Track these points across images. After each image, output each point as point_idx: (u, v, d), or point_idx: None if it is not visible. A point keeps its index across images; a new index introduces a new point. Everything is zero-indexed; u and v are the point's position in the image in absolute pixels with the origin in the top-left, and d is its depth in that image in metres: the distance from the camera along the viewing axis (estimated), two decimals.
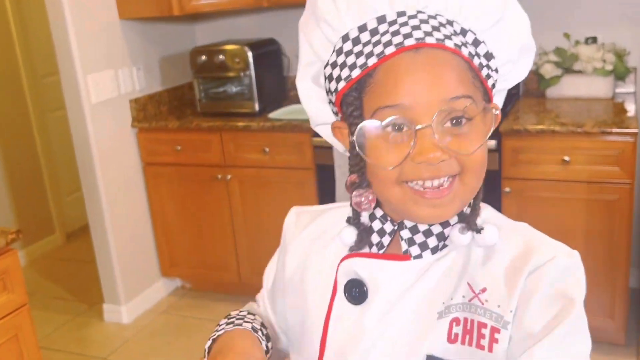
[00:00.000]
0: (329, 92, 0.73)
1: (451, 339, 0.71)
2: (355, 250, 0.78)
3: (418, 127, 0.65)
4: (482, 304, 0.71)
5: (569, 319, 0.67)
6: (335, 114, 0.76)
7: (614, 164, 2.20)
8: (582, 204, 2.26)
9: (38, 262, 3.79)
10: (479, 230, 0.73)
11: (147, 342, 2.81)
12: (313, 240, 0.84)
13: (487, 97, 0.72)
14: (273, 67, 2.97)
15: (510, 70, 0.74)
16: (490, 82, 0.72)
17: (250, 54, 2.75)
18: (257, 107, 2.81)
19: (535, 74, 2.62)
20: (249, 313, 0.88)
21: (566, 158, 2.23)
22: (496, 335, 0.69)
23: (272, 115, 2.74)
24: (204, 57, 2.83)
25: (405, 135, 0.67)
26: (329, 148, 2.51)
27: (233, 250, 2.93)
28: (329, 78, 0.72)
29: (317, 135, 1.85)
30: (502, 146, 2.30)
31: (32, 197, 3.80)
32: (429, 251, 0.75)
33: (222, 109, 2.89)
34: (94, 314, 3.09)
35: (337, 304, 0.78)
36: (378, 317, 0.75)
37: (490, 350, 0.69)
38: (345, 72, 0.69)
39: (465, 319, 0.71)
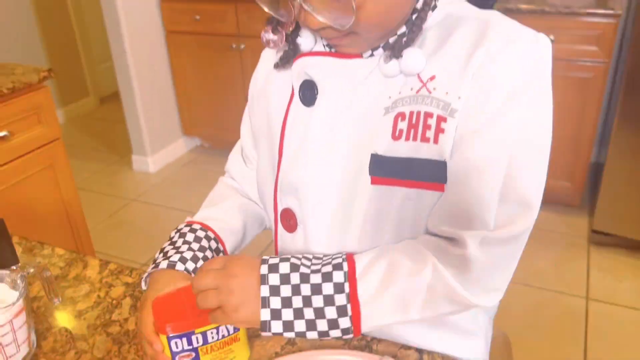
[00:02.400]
0: None
1: (395, 135, 0.65)
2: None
3: None
4: (430, 92, 0.63)
5: (523, 105, 0.60)
6: None
7: (593, 44, 2.23)
8: (559, 80, 2.30)
9: (75, 120, 3.99)
10: (400, 56, 0.64)
11: (169, 188, 2.90)
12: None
13: None
14: None
15: None
16: None
17: None
18: None
19: None
20: (200, 228, 0.81)
21: (551, 37, 2.26)
22: (442, 125, 0.62)
23: None
24: None
25: None
26: None
27: None
28: None
29: None
30: None
31: (69, 65, 3.98)
32: (380, 49, 0.67)
33: None
34: (124, 163, 3.22)
35: (293, 108, 0.73)
36: (326, 120, 0.70)
37: (436, 141, 0.63)
38: None
39: (411, 113, 0.64)
